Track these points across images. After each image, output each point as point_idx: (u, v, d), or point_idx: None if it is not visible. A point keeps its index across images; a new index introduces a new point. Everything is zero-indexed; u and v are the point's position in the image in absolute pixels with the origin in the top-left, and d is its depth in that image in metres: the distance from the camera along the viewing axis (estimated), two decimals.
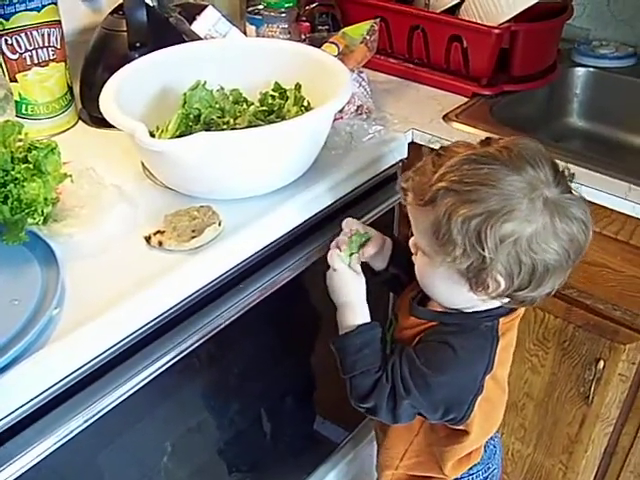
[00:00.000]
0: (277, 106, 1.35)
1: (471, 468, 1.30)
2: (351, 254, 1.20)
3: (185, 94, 1.29)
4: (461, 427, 1.18)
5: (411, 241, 1.13)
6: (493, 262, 0.98)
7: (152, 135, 1.18)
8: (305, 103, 1.34)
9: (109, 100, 1.20)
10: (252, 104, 1.37)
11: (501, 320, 1.14)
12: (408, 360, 1.11)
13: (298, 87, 1.35)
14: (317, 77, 1.33)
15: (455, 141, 1.09)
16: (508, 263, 0.98)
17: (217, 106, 1.32)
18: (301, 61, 1.39)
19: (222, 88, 1.37)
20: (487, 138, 1.08)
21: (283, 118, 1.31)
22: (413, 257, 1.14)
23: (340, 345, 1.16)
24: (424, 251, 1.07)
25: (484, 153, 1.00)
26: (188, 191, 1.24)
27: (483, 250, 0.96)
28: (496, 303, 1.10)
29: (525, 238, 0.97)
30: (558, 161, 1.04)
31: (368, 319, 1.17)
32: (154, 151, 1.13)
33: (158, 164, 1.24)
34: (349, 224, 1.24)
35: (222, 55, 1.44)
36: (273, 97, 1.37)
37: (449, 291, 1.10)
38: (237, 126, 1.28)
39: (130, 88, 1.28)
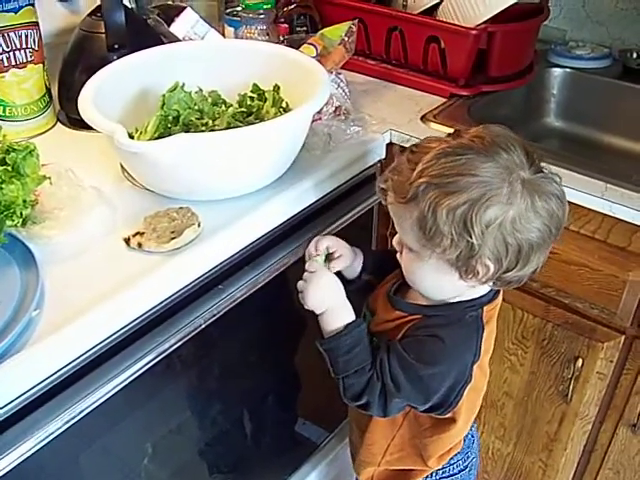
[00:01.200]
0: (256, 107, 1.35)
1: (451, 458, 1.32)
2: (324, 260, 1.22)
3: (164, 96, 1.29)
4: (448, 415, 1.19)
5: (395, 240, 1.14)
6: (481, 248, 1.00)
7: (131, 137, 1.18)
8: (284, 104, 1.34)
9: (88, 102, 1.20)
10: (231, 106, 1.38)
11: (484, 309, 1.16)
12: (398, 357, 1.12)
13: (277, 88, 1.35)
14: (296, 78, 1.34)
15: (425, 137, 1.10)
16: (495, 247, 1.00)
17: (196, 108, 1.32)
18: (280, 62, 1.40)
19: (201, 90, 1.37)
20: (456, 130, 1.10)
21: (262, 119, 1.31)
22: (398, 255, 1.15)
23: (330, 346, 1.15)
24: (411, 248, 1.08)
25: (458, 145, 1.02)
26: (167, 192, 1.24)
27: (471, 237, 0.99)
28: (485, 288, 1.13)
29: (509, 220, 0.99)
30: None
31: (354, 316, 1.17)
32: (133, 152, 1.13)
33: (137, 165, 1.24)
34: (319, 244, 1.24)
35: (201, 57, 1.44)
36: (252, 99, 1.37)
37: (439, 282, 1.11)
38: (216, 127, 1.28)
39: (109, 90, 1.27)
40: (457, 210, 0.98)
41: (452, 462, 1.33)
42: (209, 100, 1.37)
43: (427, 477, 1.34)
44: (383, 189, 1.09)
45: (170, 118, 1.29)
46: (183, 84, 1.31)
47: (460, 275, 1.06)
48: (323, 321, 1.17)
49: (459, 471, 1.36)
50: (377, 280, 1.30)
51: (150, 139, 1.23)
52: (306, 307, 1.17)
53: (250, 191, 1.26)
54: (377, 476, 1.37)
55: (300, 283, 1.18)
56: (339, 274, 1.25)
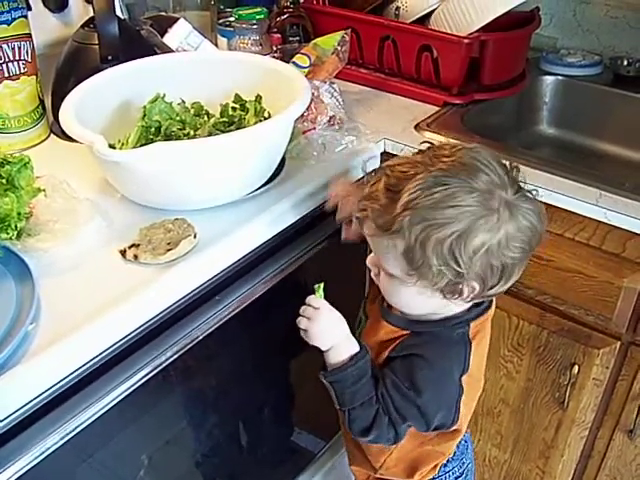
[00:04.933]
0: (237, 117, 1.36)
1: (446, 465, 1.32)
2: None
3: (145, 107, 1.30)
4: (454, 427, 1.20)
5: (370, 261, 1.13)
6: (468, 274, 1.00)
7: (113, 148, 1.19)
8: (266, 114, 1.35)
9: (69, 113, 1.20)
10: (213, 116, 1.38)
11: (471, 325, 1.16)
12: (395, 388, 1.12)
13: (259, 99, 1.35)
14: (277, 88, 1.34)
15: (394, 158, 1.10)
16: (481, 270, 1.01)
17: (177, 118, 1.33)
18: (261, 72, 1.40)
19: (183, 101, 1.38)
20: (429, 148, 1.09)
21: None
22: (373, 275, 1.14)
23: (336, 378, 1.13)
24: (393, 274, 1.07)
25: (440, 173, 1.00)
26: (147, 202, 1.24)
27: (459, 267, 0.99)
28: (467, 305, 1.13)
29: (495, 245, 0.99)
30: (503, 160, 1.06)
31: (358, 347, 1.15)
32: (113, 162, 1.13)
33: (117, 176, 1.24)
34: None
35: (184, 68, 1.45)
36: (234, 109, 1.38)
37: (421, 303, 1.10)
38: (197, 137, 1.29)
39: (91, 102, 1.28)
40: (445, 242, 0.98)
41: (447, 470, 1.34)
42: (191, 111, 1.37)
43: None
44: (359, 218, 1.08)
45: (152, 129, 1.30)
46: (164, 95, 1.32)
47: (444, 296, 1.05)
48: (329, 356, 1.15)
49: (455, 478, 1.36)
50: None
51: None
52: (311, 344, 1.15)
53: (233, 199, 1.26)
54: None
55: (303, 322, 1.15)
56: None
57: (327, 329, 1.14)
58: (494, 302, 1.21)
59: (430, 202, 0.98)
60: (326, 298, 1.16)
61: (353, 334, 1.17)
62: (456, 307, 1.13)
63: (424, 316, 1.15)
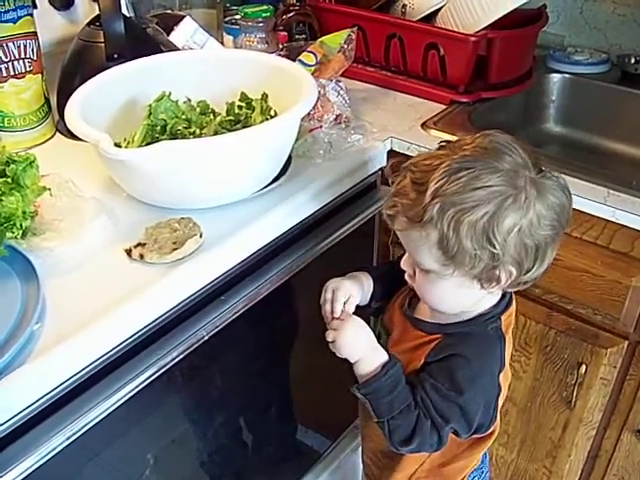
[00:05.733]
0: (244, 116, 1.35)
1: (469, 475, 1.31)
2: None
3: (150, 105, 1.30)
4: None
5: (405, 263, 1.12)
6: (504, 256, 1.00)
7: (119, 147, 1.19)
8: (272, 113, 1.34)
9: (74, 112, 1.20)
10: (219, 115, 1.38)
11: (502, 318, 1.15)
12: (435, 390, 1.10)
13: (265, 97, 1.35)
14: (283, 86, 1.34)
15: (417, 155, 1.09)
16: (516, 251, 1.01)
17: (183, 117, 1.33)
18: (267, 71, 1.40)
19: (189, 100, 1.38)
20: (448, 141, 1.09)
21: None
22: (408, 277, 1.13)
23: (371, 389, 1.11)
24: (429, 269, 1.06)
25: (463, 158, 1.00)
26: (153, 201, 1.24)
27: (494, 248, 0.99)
28: (496, 297, 1.13)
29: (526, 224, 0.99)
30: None
31: (387, 356, 1.13)
32: (118, 161, 1.13)
33: (123, 175, 1.24)
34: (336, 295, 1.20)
35: (190, 67, 1.44)
36: (240, 107, 1.38)
37: (459, 297, 1.10)
38: (203, 136, 1.29)
39: (97, 101, 1.27)
40: (477, 224, 0.97)
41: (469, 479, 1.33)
42: (197, 110, 1.37)
43: None
44: (391, 215, 1.07)
45: (158, 128, 1.29)
46: (170, 93, 1.32)
47: (482, 285, 1.05)
48: (358, 368, 1.13)
49: None
50: (387, 302, 1.28)
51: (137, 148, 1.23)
52: (340, 356, 1.14)
53: (239, 198, 1.25)
54: None
55: (330, 334, 1.14)
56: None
57: (354, 340, 1.13)
58: (514, 296, 1.20)
59: (457, 187, 0.98)
60: None
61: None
62: (487, 302, 1.13)
63: (456, 316, 1.14)
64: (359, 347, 1.13)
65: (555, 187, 1.02)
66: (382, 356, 1.13)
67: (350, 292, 1.20)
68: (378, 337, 1.22)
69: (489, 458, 1.70)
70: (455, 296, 1.09)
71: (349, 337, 1.13)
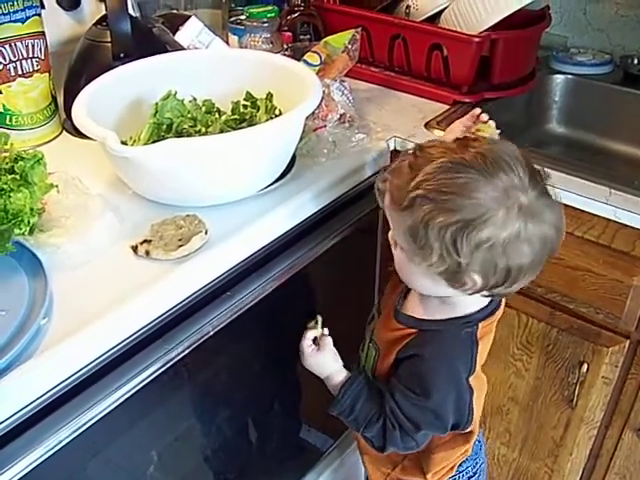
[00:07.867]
0: (249, 115, 1.36)
1: (460, 465, 1.32)
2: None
3: (156, 104, 1.31)
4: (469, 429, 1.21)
5: (390, 234, 1.13)
6: (469, 266, 0.99)
7: (125, 145, 1.20)
8: (277, 112, 1.35)
9: (81, 109, 1.21)
10: (225, 114, 1.39)
11: (480, 324, 1.16)
12: (405, 397, 1.13)
13: (270, 96, 1.36)
14: (288, 86, 1.34)
15: (430, 140, 1.09)
16: (483, 266, 1.00)
17: (189, 115, 1.34)
18: (272, 70, 1.41)
19: (195, 99, 1.38)
20: (465, 137, 1.09)
21: None
22: (392, 249, 1.14)
23: (337, 411, 1.22)
24: (402, 248, 1.08)
25: (460, 160, 0.99)
26: (159, 198, 1.25)
27: (459, 257, 0.98)
28: (481, 302, 1.14)
29: (500, 244, 0.98)
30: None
31: (345, 373, 1.25)
32: (124, 159, 1.14)
33: (129, 172, 1.25)
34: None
35: (195, 66, 1.45)
36: (245, 106, 1.39)
37: (429, 284, 1.10)
38: (209, 134, 1.30)
39: (103, 99, 1.28)
40: (449, 229, 0.97)
41: (462, 470, 1.34)
42: (203, 109, 1.38)
43: None
44: (380, 189, 1.09)
45: (164, 126, 1.31)
46: (176, 92, 1.33)
47: (449, 284, 1.05)
48: (328, 384, 1.26)
49: (468, 478, 1.36)
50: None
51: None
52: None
53: (244, 196, 1.26)
54: None
55: (304, 346, 1.28)
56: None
57: (319, 363, 1.27)
58: (503, 303, 1.21)
59: (441, 186, 0.97)
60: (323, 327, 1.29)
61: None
62: (471, 304, 1.13)
63: (433, 314, 1.16)
64: (324, 370, 1.26)
65: (545, 219, 1.00)
66: (342, 375, 1.24)
67: None
68: (372, 318, 1.25)
69: (489, 456, 1.72)
70: (423, 281, 1.10)
71: (315, 361, 1.27)
